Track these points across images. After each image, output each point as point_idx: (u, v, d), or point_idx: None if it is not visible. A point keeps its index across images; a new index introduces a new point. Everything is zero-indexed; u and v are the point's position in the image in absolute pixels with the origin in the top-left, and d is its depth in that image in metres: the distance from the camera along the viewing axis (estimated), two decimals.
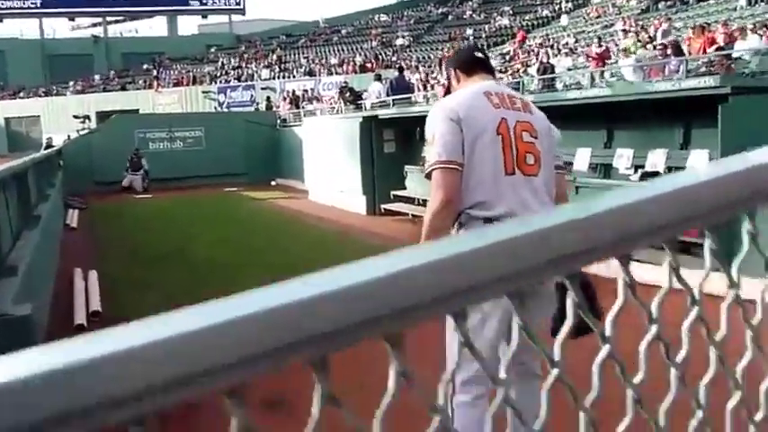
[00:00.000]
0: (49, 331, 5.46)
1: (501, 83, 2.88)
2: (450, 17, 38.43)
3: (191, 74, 37.40)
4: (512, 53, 24.60)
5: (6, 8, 39.28)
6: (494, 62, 19.06)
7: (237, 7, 44.03)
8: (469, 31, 34.03)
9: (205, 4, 43.24)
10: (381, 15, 41.47)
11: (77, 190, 15.96)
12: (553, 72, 14.77)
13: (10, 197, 5.46)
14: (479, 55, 2.92)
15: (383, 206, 11.56)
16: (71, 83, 38.39)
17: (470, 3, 38.70)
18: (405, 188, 11.45)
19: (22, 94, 38.60)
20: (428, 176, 2.62)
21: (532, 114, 2.70)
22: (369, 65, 31.64)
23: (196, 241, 9.54)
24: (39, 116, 36.45)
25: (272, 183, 18.16)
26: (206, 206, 14.06)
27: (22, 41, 40.54)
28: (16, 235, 5.40)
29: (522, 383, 2.92)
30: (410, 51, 34.09)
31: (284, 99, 24.60)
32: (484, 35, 32.47)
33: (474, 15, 37.04)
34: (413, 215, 10.48)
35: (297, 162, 15.89)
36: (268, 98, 25.45)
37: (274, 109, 22.97)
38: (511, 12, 34.83)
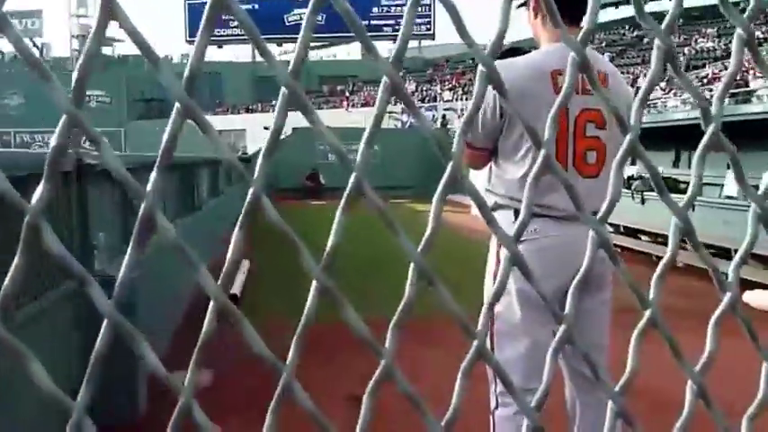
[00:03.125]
0: (186, 309, 6.04)
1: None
2: (645, 40, 36.39)
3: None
4: (710, 76, 22.68)
5: (225, 35, 44.07)
6: None
7: (427, 32, 45.38)
8: None
9: (397, 31, 44.86)
10: None
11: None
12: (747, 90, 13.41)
13: (168, 183, 6.13)
14: None
15: None
16: (274, 101, 42.00)
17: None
18: None
19: (230, 111, 43.05)
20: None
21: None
22: None
23: (349, 240, 9.92)
24: (244, 130, 40.37)
25: None
26: (368, 211, 14.64)
27: (236, 65, 45.19)
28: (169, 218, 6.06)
29: (582, 394, 2.44)
30: None
31: (458, 117, 25.10)
32: (683, 58, 30.21)
33: (673, 37, 34.56)
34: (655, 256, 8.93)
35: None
36: (444, 116, 25.97)
37: (449, 126, 23.41)
38: (716, 33, 32.12)
